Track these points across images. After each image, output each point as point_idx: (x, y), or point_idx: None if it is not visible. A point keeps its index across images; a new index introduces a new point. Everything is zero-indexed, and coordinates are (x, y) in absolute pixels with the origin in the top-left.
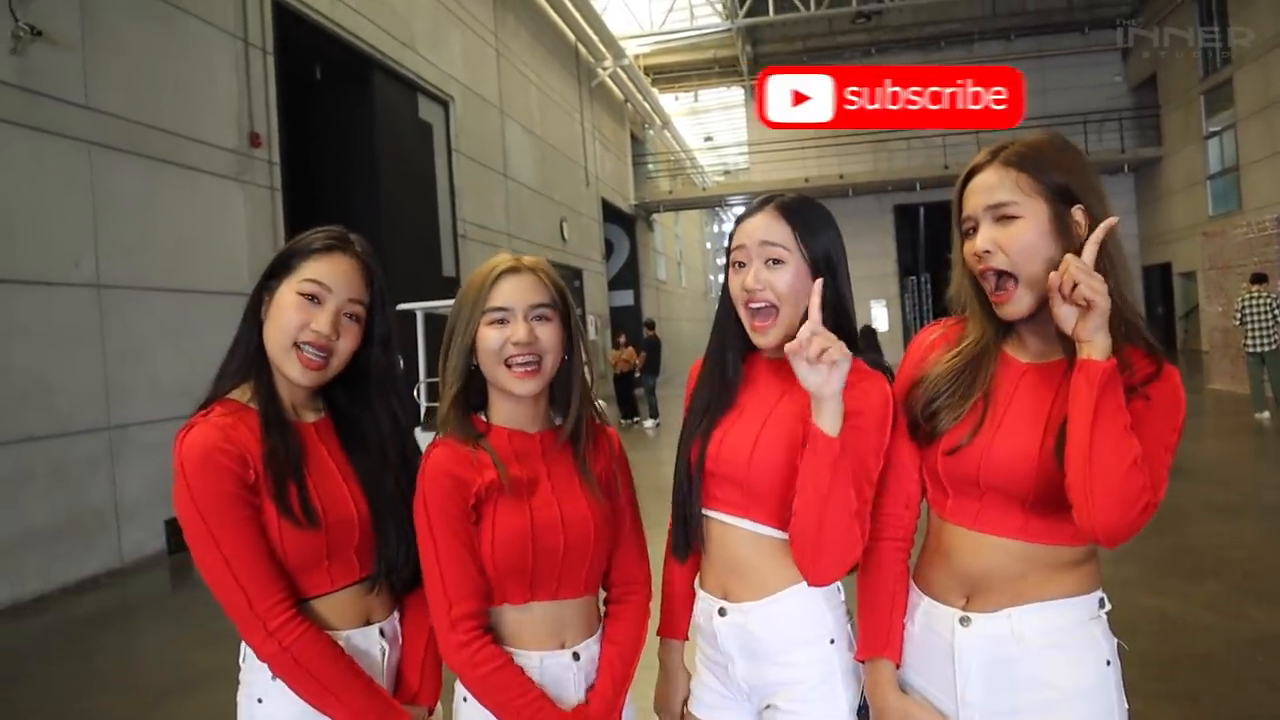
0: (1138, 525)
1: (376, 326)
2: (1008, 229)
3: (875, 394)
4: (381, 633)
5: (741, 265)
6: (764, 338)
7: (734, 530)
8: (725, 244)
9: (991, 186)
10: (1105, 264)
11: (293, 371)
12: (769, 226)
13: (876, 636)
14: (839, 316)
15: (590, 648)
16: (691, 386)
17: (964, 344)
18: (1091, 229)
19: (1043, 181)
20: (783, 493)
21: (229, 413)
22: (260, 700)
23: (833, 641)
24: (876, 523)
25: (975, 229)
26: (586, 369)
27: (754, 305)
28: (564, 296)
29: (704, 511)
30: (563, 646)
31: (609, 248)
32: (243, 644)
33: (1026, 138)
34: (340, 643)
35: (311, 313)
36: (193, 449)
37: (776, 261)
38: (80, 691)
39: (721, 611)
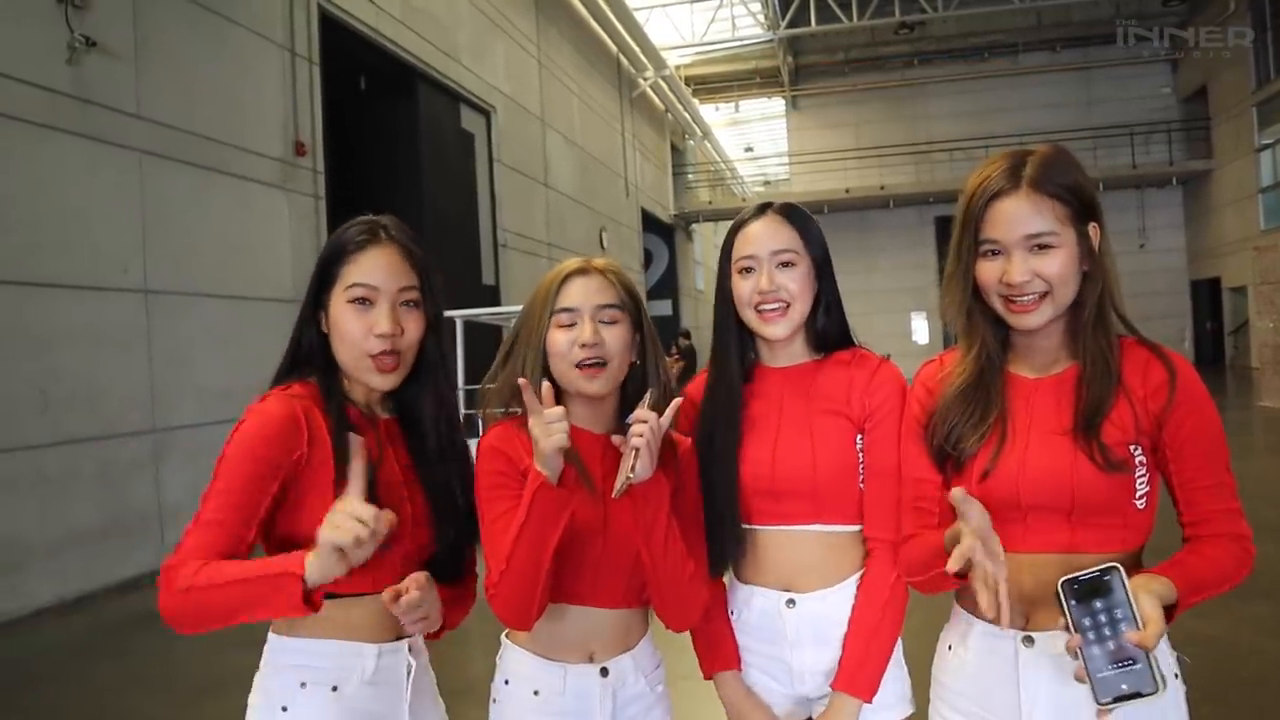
0: None
1: (428, 308)
2: (1045, 257)
3: (890, 382)
4: (409, 648)
5: (749, 271)
6: (775, 327)
7: (801, 537)
8: (725, 250)
9: (1028, 216)
10: (1095, 271)
11: (373, 380)
12: (778, 232)
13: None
14: (832, 312)
15: (621, 663)
16: (693, 406)
17: (965, 363)
18: (1102, 243)
19: (1072, 207)
20: (850, 489)
21: (307, 395)
22: (285, 709)
23: None
24: (905, 546)
25: (999, 253)
26: (665, 371)
27: (766, 307)
28: (634, 298)
29: (757, 527)
30: (590, 660)
31: (648, 257)
32: (265, 647)
33: (1040, 154)
34: (370, 660)
35: (369, 317)
36: (267, 413)
37: (787, 264)
38: (120, 691)
39: (791, 603)
